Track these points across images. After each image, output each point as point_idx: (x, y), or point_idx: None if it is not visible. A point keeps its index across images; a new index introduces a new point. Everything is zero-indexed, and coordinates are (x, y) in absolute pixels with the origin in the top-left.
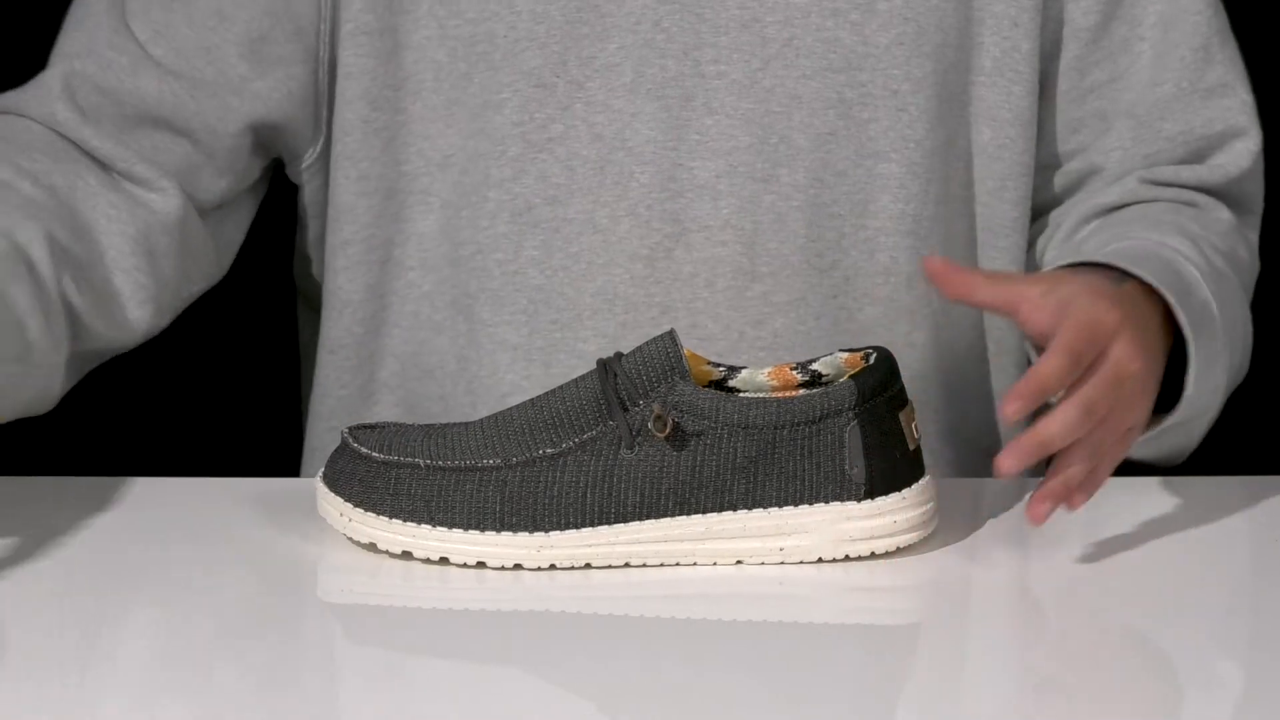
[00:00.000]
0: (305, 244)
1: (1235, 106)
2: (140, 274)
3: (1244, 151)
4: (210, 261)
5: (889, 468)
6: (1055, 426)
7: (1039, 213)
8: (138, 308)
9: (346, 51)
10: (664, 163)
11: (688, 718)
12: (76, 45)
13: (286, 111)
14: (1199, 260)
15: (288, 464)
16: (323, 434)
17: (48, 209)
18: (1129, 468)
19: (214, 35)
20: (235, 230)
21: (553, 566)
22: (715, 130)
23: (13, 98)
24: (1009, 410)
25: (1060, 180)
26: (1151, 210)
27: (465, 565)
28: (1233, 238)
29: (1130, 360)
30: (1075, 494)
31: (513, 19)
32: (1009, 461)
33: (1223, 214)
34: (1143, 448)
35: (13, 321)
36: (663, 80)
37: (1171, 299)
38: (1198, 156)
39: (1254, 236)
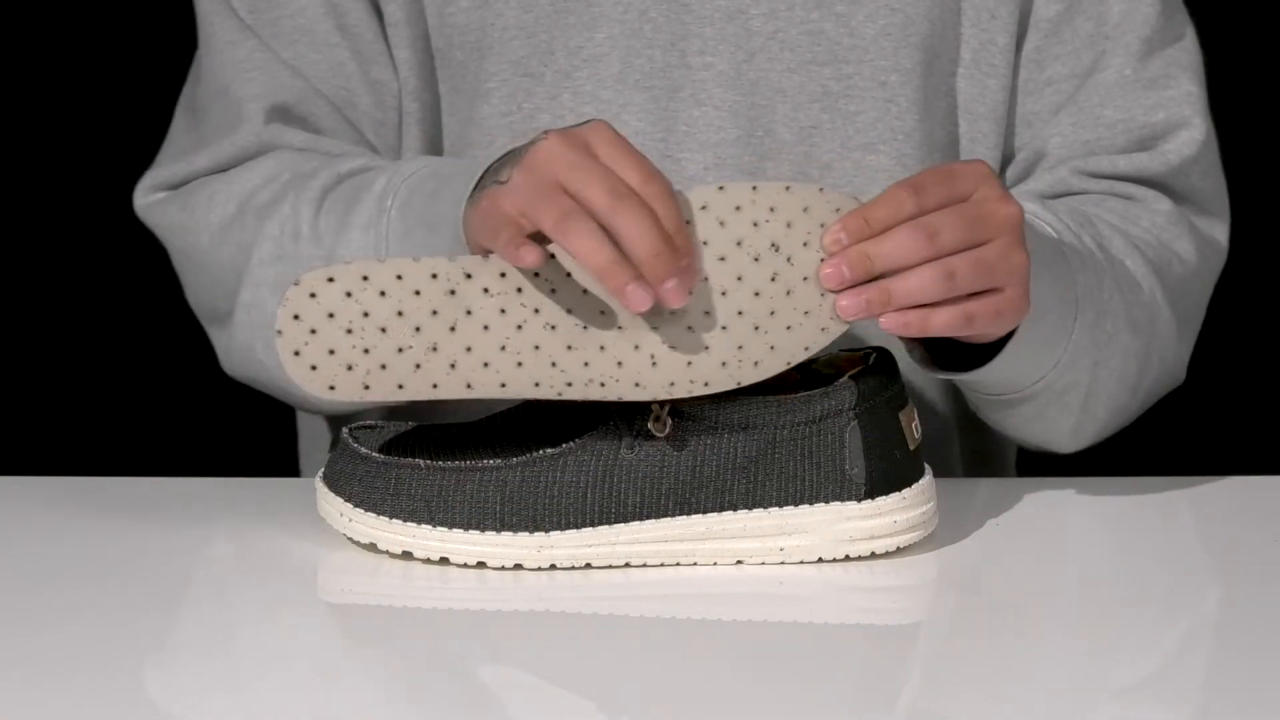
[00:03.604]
0: None
1: (1179, 97)
2: None
3: (1189, 141)
4: None
5: (889, 468)
6: (883, 244)
7: None
8: None
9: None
10: (652, 154)
11: (688, 718)
12: (259, 87)
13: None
14: (1060, 226)
15: (287, 464)
16: (324, 434)
17: None
18: (1127, 468)
19: (341, 51)
20: None
21: (553, 566)
22: (703, 122)
23: (224, 152)
24: (828, 240)
25: (1011, 172)
26: (1061, 201)
27: (465, 565)
28: (1169, 231)
29: (999, 202)
30: (915, 312)
31: (501, 7)
32: (830, 271)
33: (1161, 205)
34: (1020, 419)
35: None
36: (650, 71)
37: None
38: (1139, 146)
39: (1216, 233)
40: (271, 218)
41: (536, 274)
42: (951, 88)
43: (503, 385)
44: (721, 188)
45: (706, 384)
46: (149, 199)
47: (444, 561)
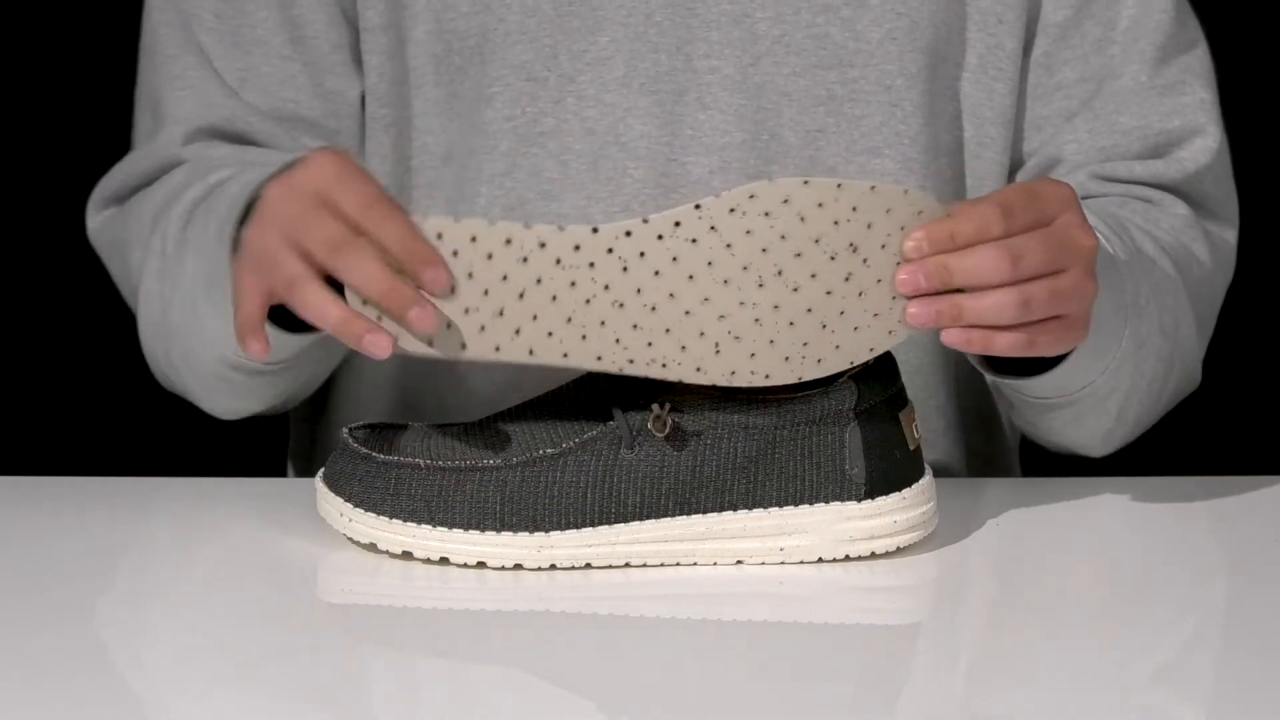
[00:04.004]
0: None
1: (1193, 104)
2: None
3: (1203, 148)
4: None
5: (889, 468)
6: (966, 259)
7: None
8: None
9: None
10: (657, 158)
11: (688, 718)
12: (187, 108)
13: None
14: (1105, 231)
15: (286, 464)
16: (326, 433)
17: None
18: (1128, 468)
19: (294, 64)
20: None
21: (553, 566)
22: (708, 126)
23: (141, 165)
24: (908, 245)
25: (1021, 178)
26: (1091, 202)
27: (465, 565)
28: (1187, 234)
29: (1080, 231)
30: (980, 331)
31: (503, 12)
32: (906, 275)
33: (1179, 209)
34: (1059, 423)
35: None
36: (655, 75)
37: None
38: (1155, 153)
39: (1228, 239)
40: (157, 231)
41: (610, 250)
42: (957, 92)
43: (565, 355)
44: (806, 182)
45: (768, 376)
46: (97, 219)
47: (444, 561)
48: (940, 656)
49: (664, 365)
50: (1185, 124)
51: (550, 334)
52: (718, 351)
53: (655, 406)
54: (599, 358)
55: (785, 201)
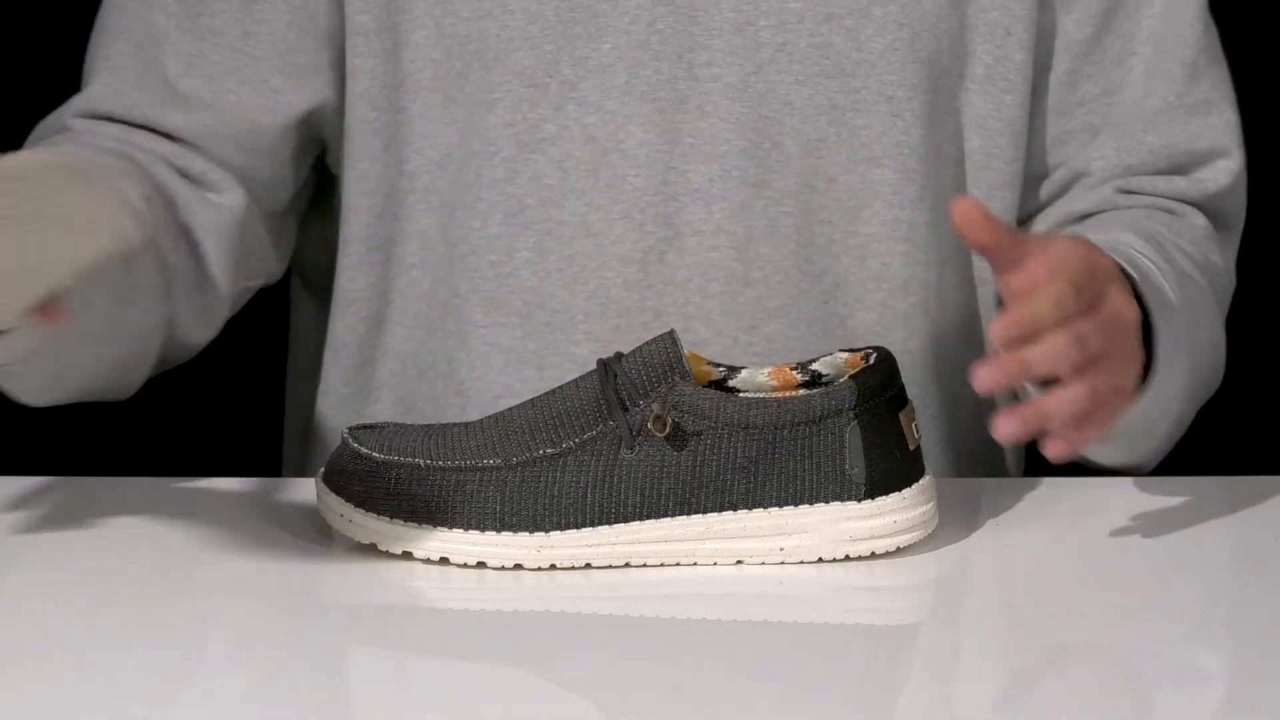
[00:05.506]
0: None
1: (1220, 126)
2: (223, 258)
3: (1225, 169)
4: (270, 260)
5: (889, 468)
6: (1038, 351)
7: (1024, 221)
8: (217, 299)
9: (348, 54)
10: (657, 166)
11: (688, 718)
12: (100, 88)
13: (321, 117)
14: (1156, 258)
15: (280, 471)
16: (325, 433)
17: (142, 178)
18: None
19: (242, 56)
20: (290, 229)
21: (553, 566)
22: (709, 134)
23: (37, 135)
24: (994, 333)
25: (1046, 189)
26: (1123, 215)
27: (465, 565)
28: (1207, 245)
29: (1126, 306)
30: (1057, 437)
31: (505, 18)
32: (985, 373)
33: (1198, 220)
34: (1112, 449)
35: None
36: (656, 82)
37: (1134, 274)
38: (1178, 170)
39: (1231, 254)
40: None
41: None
42: (962, 103)
43: None
44: None
45: None
46: None
47: (444, 561)
48: (940, 656)
49: None
50: (1212, 146)
51: None
52: None
53: (655, 406)
54: None
55: None
